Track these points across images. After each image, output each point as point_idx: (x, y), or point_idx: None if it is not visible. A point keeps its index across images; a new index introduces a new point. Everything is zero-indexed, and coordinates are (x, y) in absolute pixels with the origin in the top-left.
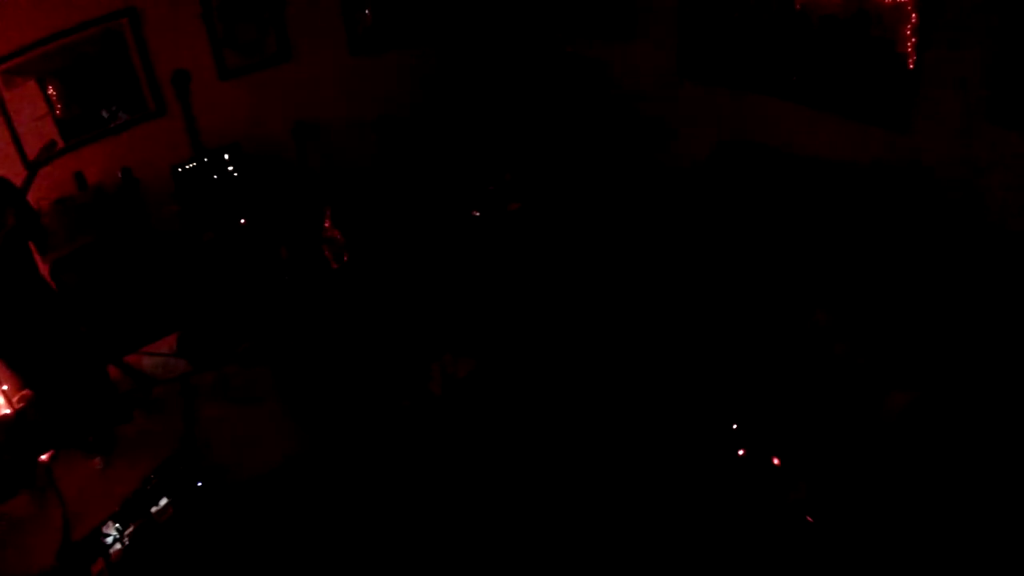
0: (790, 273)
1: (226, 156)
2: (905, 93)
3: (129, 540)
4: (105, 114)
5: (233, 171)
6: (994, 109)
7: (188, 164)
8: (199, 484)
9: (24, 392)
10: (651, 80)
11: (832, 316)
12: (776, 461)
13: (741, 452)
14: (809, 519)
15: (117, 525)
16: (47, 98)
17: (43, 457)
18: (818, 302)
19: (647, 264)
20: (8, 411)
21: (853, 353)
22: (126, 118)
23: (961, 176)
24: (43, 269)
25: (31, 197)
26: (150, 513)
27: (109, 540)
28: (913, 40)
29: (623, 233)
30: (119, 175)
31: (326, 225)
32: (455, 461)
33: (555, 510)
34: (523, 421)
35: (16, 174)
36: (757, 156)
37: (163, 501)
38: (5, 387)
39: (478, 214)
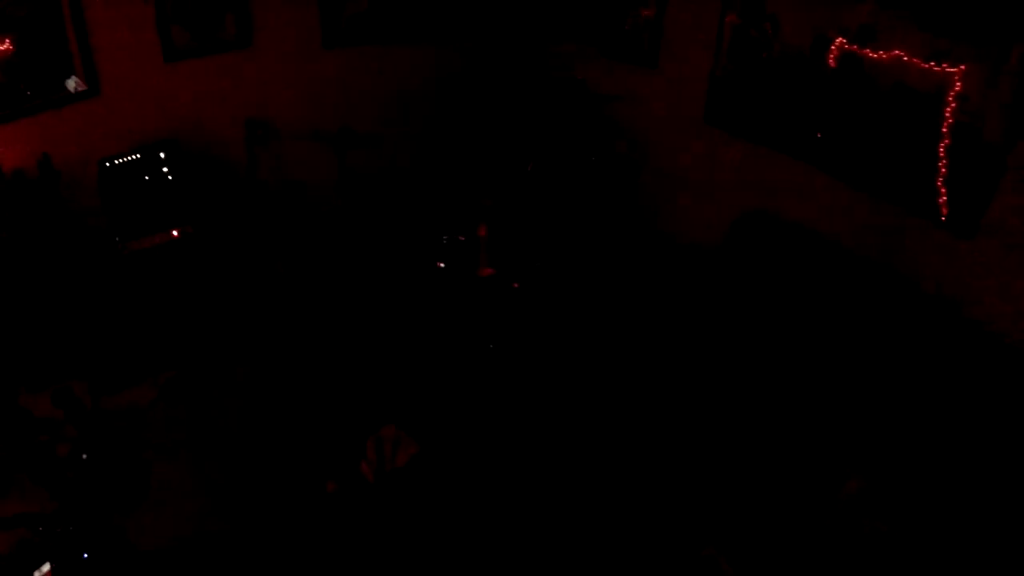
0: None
1: (161, 154)
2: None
3: None
4: (28, 91)
5: (167, 173)
6: None
7: (117, 159)
8: (85, 556)
9: None
10: (668, 123)
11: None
12: None
13: None
14: None
15: None
16: None
17: None
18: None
19: (639, 362)
20: None
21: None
22: (55, 96)
23: None
24: None
25: None
26: None
27: None
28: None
29: (619, 324)
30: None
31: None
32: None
33: None
34: (469, 526)
35: None
36: (786, 239)
37: (45, 568)
38: None
39: (442, 266)
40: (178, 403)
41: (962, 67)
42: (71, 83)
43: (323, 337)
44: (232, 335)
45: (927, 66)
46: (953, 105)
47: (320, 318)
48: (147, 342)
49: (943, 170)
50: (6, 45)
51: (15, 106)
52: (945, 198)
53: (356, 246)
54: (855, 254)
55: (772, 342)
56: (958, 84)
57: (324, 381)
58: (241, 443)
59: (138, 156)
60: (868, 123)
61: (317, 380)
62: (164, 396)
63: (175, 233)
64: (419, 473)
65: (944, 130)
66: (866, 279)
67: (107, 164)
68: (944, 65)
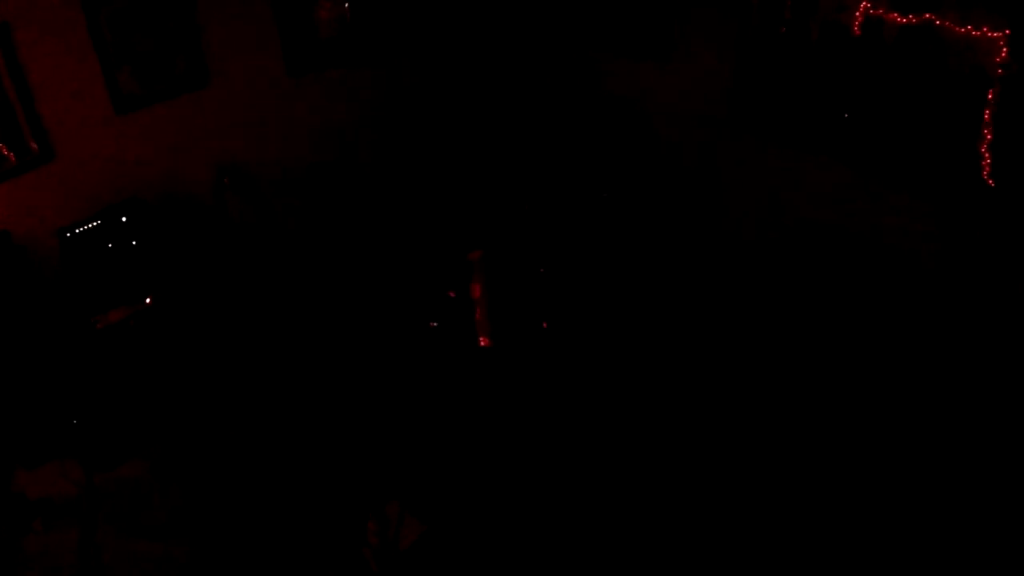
0: None
1: (124, 218)
2: None
3: None
4: None
5: (132, 237)
6: None
7: (78, 227)
8: None
9: None
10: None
11: None
12: None
13: None
14: None
15: None
16: None
17: None
18: None
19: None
20: None
21: None
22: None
23: None
24: None
25: None
26: None
27: None
28: None
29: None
30: None
31: None
32: None
33: None
34: None
35: None
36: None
37: None
38: None
39: (435, 325)
40: (171, 480)
41: None
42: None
43: (316, 405)
44: (220, 404)
45: None
46: None
47: (311, 383)
48: (135, 415)
49: None
50: None
51: None
52: None
53: (342, 300)
54: None
55: None
56: None
57: (319, 453)
58: (236, 524)
59: (99, 222)
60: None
61: (311, 452)
62: (156, 472)
63: (147, 301)
64: (426, 558)
65: None
66: None
67: (67, 234)
68: None
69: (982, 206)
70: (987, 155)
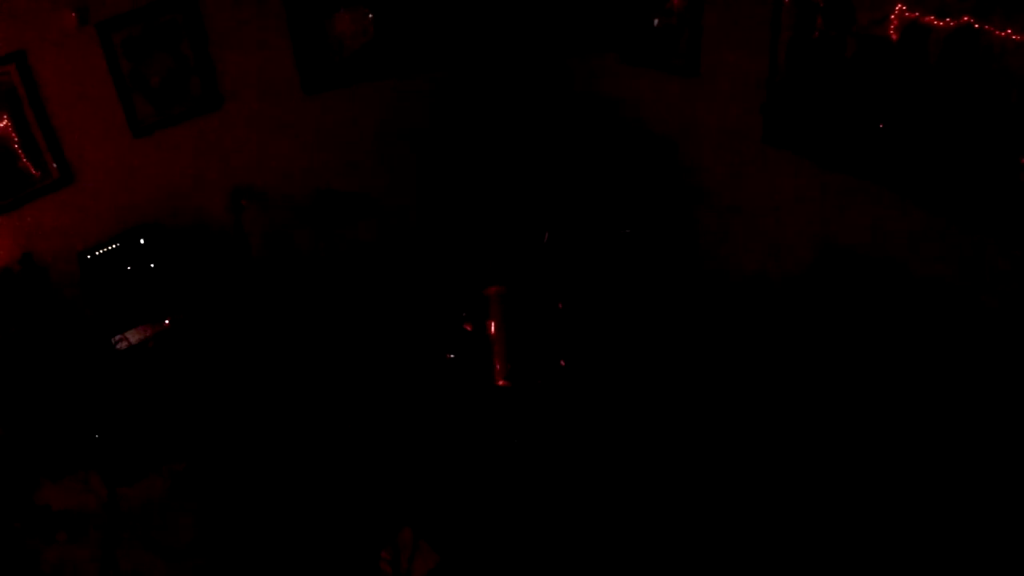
0: None
1: (142, 240)
2: None
3: None
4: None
5: (150, 260)
6: None
7: (97, 249)
8: None
9: None
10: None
11: None
12: None
13: None
14: None
15: None
16: None
17: None
18: None
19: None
20: None
21: None
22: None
23: None
24: None
25: None
26: None
27: None
28: None
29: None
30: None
31: None
32: None
33: None
34: None
35: None
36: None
37: None
38: None
39: (452, 357)
40: (189, 498)
41: None
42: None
43: (331, 428)
44: (237, 425)
45: None
46: None
47: (327, 405)
48: (156, 432)
49: None
50: None
51: None
52: None
53: (358, 327)
54: None
55: None
56: None
57: (334, 478)
58: (250, 547)
59: (118, 245)
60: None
61: (326, 476)
62: (175, 490)
63: (167, 322)
64: None
65: None
66: None
67: (88, 256)
68: None
69: None
70: None
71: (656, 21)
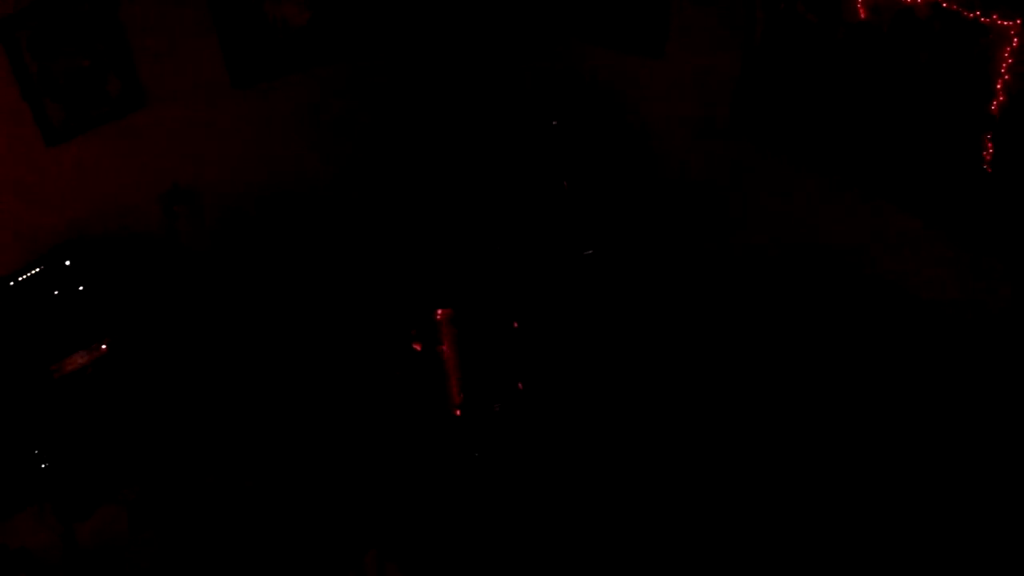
0: None
1: (67, 262)
2: None
3: None
4: None
5: (78, 282)
6: None
7: (19, 275)
8: None
9: None
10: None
11: None
12: None
13: None
14: None
15: None
16: None
17: None
18: None
19: None
20: None
21: None
22: None
23: None
24: None
25: None
26: None
27: None
28: None
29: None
30: None
31: None
32: None
33: None
34: None
35: None
36: None
37: None
38: None
39: (399, 375)
40: (147, 527)
41: None
42: None
43: (288, 447)
44: (189, 447)
45: None
46: None
47: (281, 423)
48: (105, 460)
49: None
50: None
51: None
52: None
53: (305, 339)
54: None
55: None
56: None
57: (294, 500)
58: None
59: (41, 268)
60: None
61: (286, 498)
62: (132, 519)
63: (103, 347)
64: None
65: None
66: None
67: (11, 283)
68: None
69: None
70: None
71: None
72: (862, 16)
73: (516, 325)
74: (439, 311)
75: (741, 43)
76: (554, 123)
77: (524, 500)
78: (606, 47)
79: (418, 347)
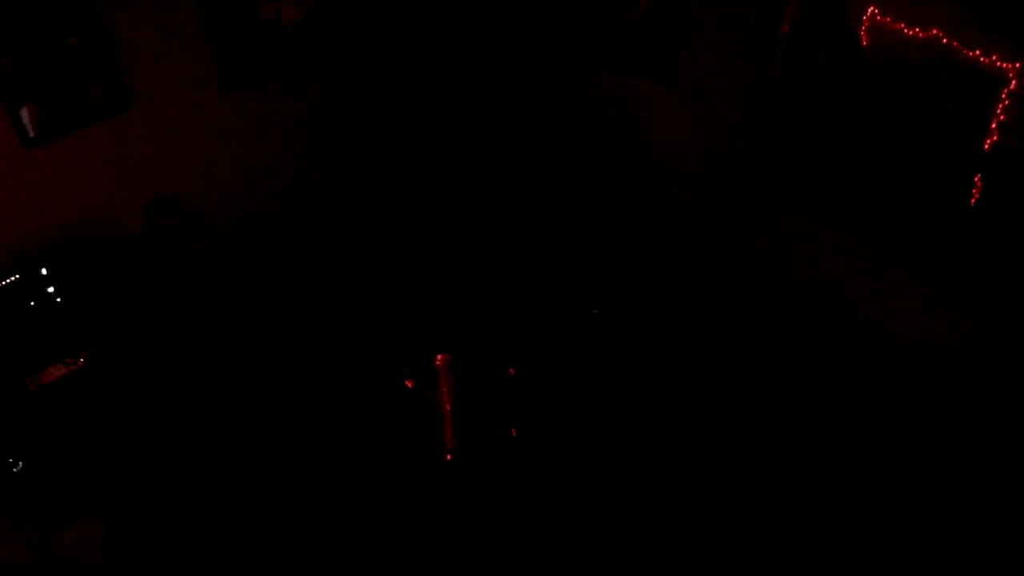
0: None
1: (44, 271)
2: None
3: None
4: None
5: (56, 291)
6: None
7: None
8: None
9: None
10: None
11: None
12: None
13: None
14: None
15: None
16: None
17: None
18: None
19: None
20: None
21: None
22: None
23: None
24: None
25: None
26: None
27: None
28: None
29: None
30: None
31: None
32: None
33: None
34: None
35: None
36: None
37: None
38: None
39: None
40: (125, 541)
41: None
42: None
43: (267, 470)
44: (168, 461)
45: None
46: None
47: (261, 445)
48: (84, 473)
49: None
50: None
51: None
52: None
53: (292, 360)
54: None
55: None
56: None
57: (272, 524)
58: None
59: (16, 277)
60: None
61: (264, 520)
62: (110, 532)
63: (81, 360)
64: None
65: None
66: None
67: None
68: None
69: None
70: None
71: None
72: (868, 56)
73: (512, 372)
74: (438, 356)
75: (753, 80)
76: (556, 155)
77: (511, 534)
78: (616, 71)
79: (410, 384)
